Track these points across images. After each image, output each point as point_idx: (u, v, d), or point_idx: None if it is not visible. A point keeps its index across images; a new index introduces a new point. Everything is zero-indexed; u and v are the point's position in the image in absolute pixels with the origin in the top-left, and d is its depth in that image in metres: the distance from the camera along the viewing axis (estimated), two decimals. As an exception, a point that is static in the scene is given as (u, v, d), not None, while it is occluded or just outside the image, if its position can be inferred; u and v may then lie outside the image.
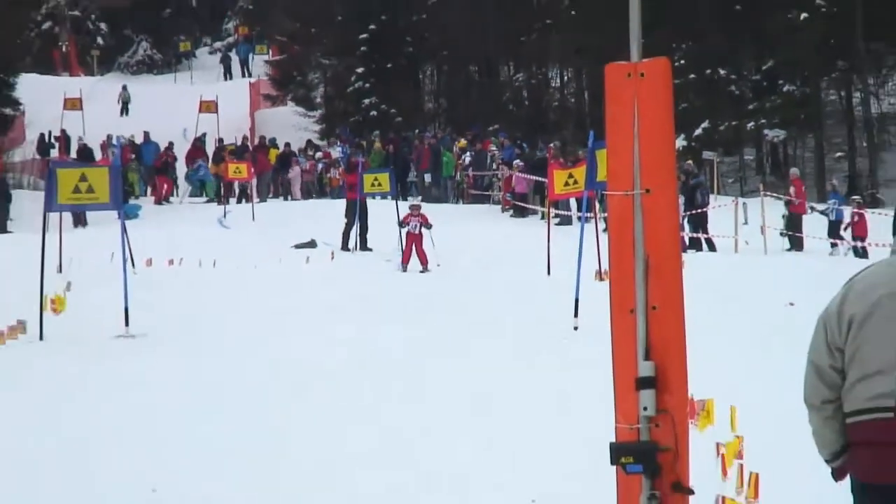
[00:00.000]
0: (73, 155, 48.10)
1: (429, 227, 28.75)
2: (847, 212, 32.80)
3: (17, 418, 12.11)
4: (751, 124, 49.57)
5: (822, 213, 33.28)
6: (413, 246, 28.38)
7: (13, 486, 9.87)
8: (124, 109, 62.94)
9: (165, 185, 48.28)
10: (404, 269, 28.01)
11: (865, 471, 5.24)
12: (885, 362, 5.14)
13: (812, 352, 5.44)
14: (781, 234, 32.44)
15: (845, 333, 5.28)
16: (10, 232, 38.12)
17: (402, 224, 29.35)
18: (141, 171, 49.24)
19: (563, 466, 9.75)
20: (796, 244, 32.29)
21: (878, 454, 5.15)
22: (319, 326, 18.32)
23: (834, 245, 32.01)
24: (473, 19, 57.18)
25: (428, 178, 47.46)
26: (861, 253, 30.66)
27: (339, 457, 10.78)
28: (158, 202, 46.46)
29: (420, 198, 42.33)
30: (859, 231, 31.55)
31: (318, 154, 52.07)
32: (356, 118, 59.84)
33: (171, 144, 50.68)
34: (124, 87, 65.89)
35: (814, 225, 33.20)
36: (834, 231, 32.63)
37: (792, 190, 33.71)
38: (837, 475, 5.53)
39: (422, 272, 27.57)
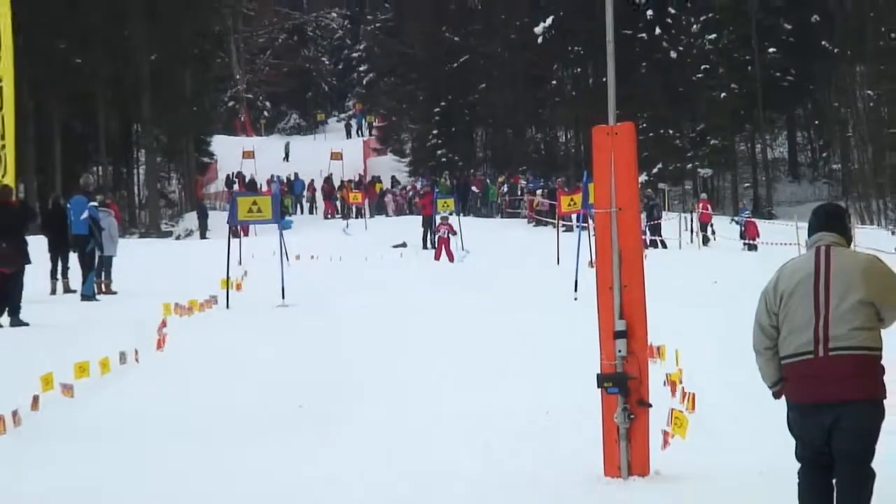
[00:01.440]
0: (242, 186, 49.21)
1: (455, 233, 28.61)
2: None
3: (214, 354, 12.26)
4: (689, 166, 50.11)
5: (736, 222, 33.24)
6: (442, 247, 28.14)
7: (221, 391, 10.01)
8: (286, 157, 63.51)
9: (329, 207, 49.41)
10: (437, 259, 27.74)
11: (794, 395, 5.38)
12: (804, 322, 5.27)
13: (757, 315, 5.53)
14: (696, 232, 32.30)
15: (778, 302, 5.39)
16: (207, 238, 38.58)
17: (434, 232, 29.45)
18: (292, 198, 49.68)
19: (565, 386, 9.66)
20: (705, 241, 32.43)
21: (800, 384, 5.30)
22: (409, 290, 18.92)
23: (745, 245, 31.88)
24: (509, 99, 57.42)
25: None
26: (752, 248, 30.91)
27: (427, 371, 10.84)
28: (333, 216, 47.63)
29: (469, 215, 42.35)
30: (752, 234, 31.78)
31: (409, 186, 52.68)
32: (432, 163, 59.86)
33: (313, 181, 51.40)
34: (287, 143, 66.54)
35: (731, 231, 33.21)
36: (742, 235, 32.70)
37: (700, 206, 34.14)
38: (776, 396, 5.61)
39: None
